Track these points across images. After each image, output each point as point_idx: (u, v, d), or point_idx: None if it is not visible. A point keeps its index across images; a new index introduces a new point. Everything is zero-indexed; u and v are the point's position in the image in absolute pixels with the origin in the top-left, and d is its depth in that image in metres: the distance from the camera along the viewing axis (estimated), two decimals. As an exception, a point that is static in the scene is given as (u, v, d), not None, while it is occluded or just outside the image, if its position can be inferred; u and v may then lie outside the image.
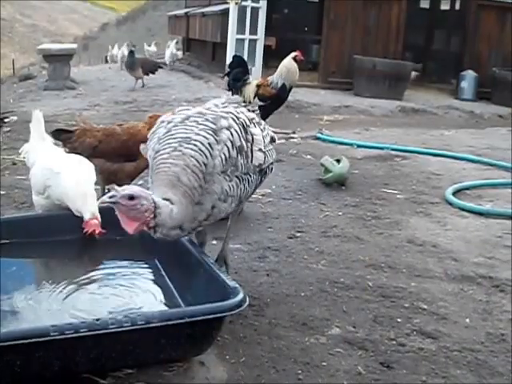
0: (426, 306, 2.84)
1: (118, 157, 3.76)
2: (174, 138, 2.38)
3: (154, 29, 39.50)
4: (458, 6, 14.09)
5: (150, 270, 2.82)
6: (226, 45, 10.65)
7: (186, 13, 15.88)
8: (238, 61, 6.57)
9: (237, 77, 6.43)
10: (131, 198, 2.19)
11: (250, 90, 6.33)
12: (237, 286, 2.16)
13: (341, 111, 8.96)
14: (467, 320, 2.76)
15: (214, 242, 3.47)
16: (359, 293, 2.91)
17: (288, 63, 6.31)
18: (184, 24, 15.90)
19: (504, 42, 11.78)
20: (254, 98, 6.28)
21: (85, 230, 2.89)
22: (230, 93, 6.56)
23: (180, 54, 15.32)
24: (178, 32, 17.27)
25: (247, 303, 2.10)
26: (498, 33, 11.99)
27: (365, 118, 8.82)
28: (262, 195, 4.34)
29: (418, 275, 3.18)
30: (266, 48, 11.03)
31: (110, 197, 2.20)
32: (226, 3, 10.86)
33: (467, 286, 3.12)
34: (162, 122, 2.54)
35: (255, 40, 10.88)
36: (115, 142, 3.77)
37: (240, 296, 2.08)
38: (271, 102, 6.33)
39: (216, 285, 2.24)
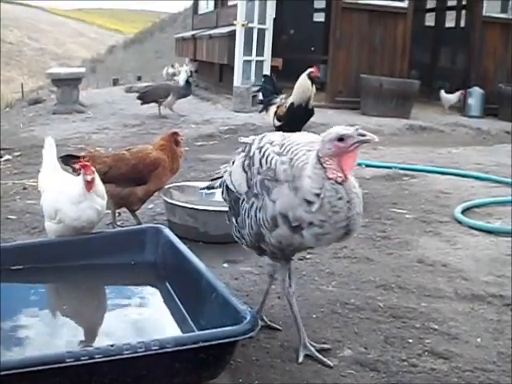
0: (437, 326, 2.85)
1: (129, 181, 3.81)
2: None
3: (162, 51, 39.68)
4: (462, 24, 14.16)
5: (162, 295, 2.85)
6: (233, 66, 10.73)
7: (193, 35, 15.99)
8: (267, 81, 6.61)
9: (266, 97, 6.49)
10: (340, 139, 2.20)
11: (272, 110, 6.38)
12: (249, 309, 2.19)
13: (348, 131, 8.97)
14: (479, 339, 2.76)
15: (226, 265, 3.50)
16: (370, 314, 2.92)
17: (300, 80, 6.31)
18: (191, 46, 16.01)
19: (509, 58, 11.79)
20: (274, 118, 6.34)
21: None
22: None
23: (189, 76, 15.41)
24: (186, 54, 17.39)
25: (259, 327, 2.13)
26: (503, 49, 12.03)
27: (373, 138, 8.81)
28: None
29: (429, 295, 3.19)
30: (273, 69, 11.10)
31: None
32: (233, 25, 10.97)
33: (478, 305, 3.13)
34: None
35: (262, 61, 10.97)
36: (125, 166, 3.82)
37: (252, 320, 2.10)
38: (285, 122, 6.34)
39: (228, 309, 2.27)
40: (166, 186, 4.11)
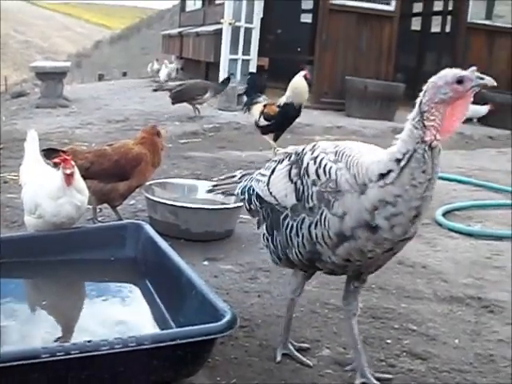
0: (415, 327, 2.87)
1: (111, 177, 3.80)
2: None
3: (148, 47, 39.64)
4: (448, 29, 14.24)
5: (142, 292, 2.84)
6: (219, 65, 10.72)
7: (179, 32, 15.98)
8: (253, 79, 6.61)
9: (249, 95, 6.50)
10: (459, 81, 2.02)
11: (257, 109, 6.39)
12: (228, 307, 2.18)
13: (333, 132, 9.00)
14: (456, 341, 2.78)
15: (206, 262, 3.50)
16: (349, 314, 2.93)
17: (296, 82, 6.33)
18: (178, 43, 16.00)
19: (492, 64, 11.87)
20: (260, 117, 6.34)
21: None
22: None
23: (174, 72, 15.43)
24: (172, 51, 17.37)
25: (238, 325, 2.12)
26: (487, 55, 12.12)
27: (357, 139, 8.76)
28: (254, 216, 4.37)
29: (408, 296, 3.21)
30: (259, 68, 11.11)
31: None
32: (220, 24, 10.96)
33: (456, 306, 3.15)
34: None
35: (248, 60, 10.97)
36: (107, 162, 3.81)
37: (231, 318, 2.10)
38: (276, 121, 6.36)
39: (207, 306, 2.26)
40: (148, 183, 4.10)
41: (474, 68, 2.03)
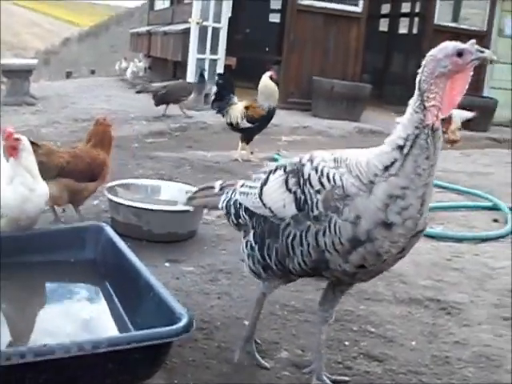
0: (373, 329, 2.90)
1: (84, 177, 3.90)
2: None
3: (117, 45, 39.30)
4: (415, 31, 14.38)
5: (101, 294, 2.83)
6: (187, 64, 10.69)
7: (148, 30, 15.91)
8: (224, 80, 6.59)
9: (223, 97, 6.47)
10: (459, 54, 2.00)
11: (237, 111, 6.38)
12: (184, 310, 2.19)
13: (299, 132, 9.05)
14: (413, 343, 2.82)
15: (167, 264, 3.50)
16: (309, 316, 2.94)
17: (268, 84, 6.40)
18: (146, 42, 15.92)
19: (459, 66, 12.04)
20: (243, 119, 6.33)
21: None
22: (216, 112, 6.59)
23: (142, 70, 15.38)
24: (140, 49, 17.28)
25: (194, 328, 2.13)
26: (453, 57, 12.22)
27: (323, 139, 8.91)
28: (218, 217, 4.37)
29: (368, 298, 3.24)
30: (226, 68, 11.11)
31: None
32: (188, 23, 10.93)
33: (415, 308, 3.20)
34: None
35: (216, 60, 10.96)
36: (81, 163, 3.92)
37: (187, 321, 2.10)
38: (259, 124, 6.41)
39: (165, 309, 2.26)
40: (111, 184, 4.10)
41: (473, 41, 2.01)
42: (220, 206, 2.60)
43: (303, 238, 2.14)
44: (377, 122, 10.43)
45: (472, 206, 5.30)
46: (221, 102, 6.48)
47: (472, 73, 2.04)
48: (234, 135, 6.77)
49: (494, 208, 5.24)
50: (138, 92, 9.69)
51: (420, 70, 2.05)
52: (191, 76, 10.24)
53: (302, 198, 2.16)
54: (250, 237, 2.39)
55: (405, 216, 2.02)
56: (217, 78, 6.71)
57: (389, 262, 2.19)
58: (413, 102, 2.05)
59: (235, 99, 6.49)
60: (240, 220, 2.48)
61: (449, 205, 5.22)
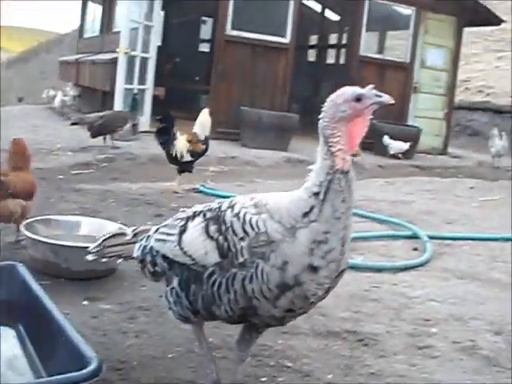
0: (290, 364, 2.92)
1: (29, 196, 4.20)
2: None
3: (47, 72, 38.80)
4: (342, 61, 14.74)
5: (15, 337, 2.77)
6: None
7: (76, 59, 15.78)
8: (169, 116, 6.62)
9: (168, 132, 6.50)
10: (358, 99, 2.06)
11: (182, 145, 6.51)
12: (94, 354, 2.17)
13: (227, 162, 9.09)
14: (330, 376, 2.85)
15: (86, 302, 3.45)
16: (226, 352, 2.94)
17: (206, 118, 6.62)
18: (74, 70, 15.78)
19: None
20: (187, 153, 6.46)
21: None
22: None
23: (71, 99, 15.25)
24: (69, 78, 17.11)
25: (103, 371, 2.11)
26: (379, 87, 12.37)
27: (251, 169, 8.99)
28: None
29: (286, 332, 3.24)
30: (155, 98, 11.11)
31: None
32: (116, 52, 10.88)
33: (332, 341, 3.23)
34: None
35: (144, 90, 10.94)
36: (28, 184, 4.22)
37: (96, 365, 2.08)
38: (199, 156, 6.66)
39: (75, 353, 2.23)
40: (30, 220, 4.04)
41: (371, 86, 2.07)
42: (135, 254, 2.49)
43: (229, 285, 2.11)
44: (305, 152, 10.56)
45: (392, 236, 5.42)
46: (166, 136, 6.52)
47: (371, 117, 2.11)
48: (161, 167, 6.79)
49: (414, 237, 5.38)
50: (73, 124, 9.48)
51: (321, 116, 2.11)
52: (119, 106, 10.17)
53: (225, 245, 2.14)
54: (175, 284, 2.31)
55: (328, 259, 2.06)
56: (160, 119, 6.68)
57: (315, 303, 2.22)
58: (320, 149, 2.10)
59: (178, 133, 6.57)
60: (157, 268, 2.40)
61: (370, 235, 5.32)
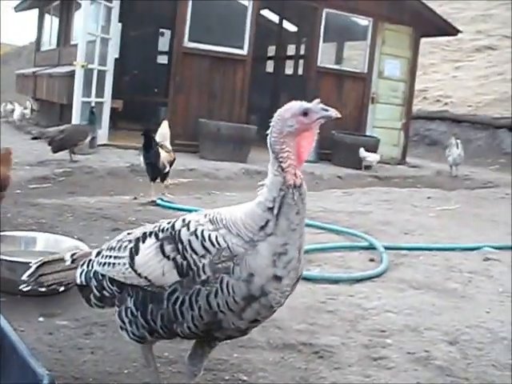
0: (246, 378, 2.93)
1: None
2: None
3: (4, 84, 38.31)
4: (300, 72, 14.86)
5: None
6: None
7: (33, 72, 15.63)
8: (149, 134, 6.65)
9: (152, 146, 6.56)
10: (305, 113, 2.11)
11: (165, 157, 6.65)
12: (45, 373, 2.16)
13: (185, 174, 9.09)
14: (282, 389, 2.88)
15: (41, 318, 3.43)
16: (182, 367, 2.93)
17: (167, 130, 6.94)
18: (32, 84, 15.64)
19: (341, 105, 12.48)
20: (166, 164, 6.69)
21: None
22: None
23: (28, 112, 15.12)
24: (26, 91, 16.94)
25: (55, 391, 2.11)
26: (336, 97, 12.74)
27: (209, 181, 9.01)
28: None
29: (242, 346, 3.26)
30: (113, 110, 11.07)
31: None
32: (73, 65, 10.82)
33: (288, 354, 3.25)
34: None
35: (102, 103, 10.89)
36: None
37: (47, 382, 2.08)
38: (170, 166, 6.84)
39: (27, 371, 2.22)
40: (-16, 237, 4.01)
41: (317, 100, 2.12)
42: (78, 280, 2.46)
43: (193, 301, 2.12)
44: (263, 163, 10.56)
45: (349, 247, 5.47)
46: (153, 152, 6.55)
47: (318, 130, 2.16)
48: (119, 180, 6.79)
49: (371, 247, 5.44)
50: (34, 138, 9.40)
51: (269, 131, 2.15)
52: (77, 120, 10.10)
53: (185, 263, 2.13)
54: (129, 303, 2.29)
55: (289, 268, 2.12)
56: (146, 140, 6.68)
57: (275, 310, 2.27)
58: (271, 165, 2.13)
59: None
60: (105, 292, 2.38)
61: (326, 246, 5.35)
